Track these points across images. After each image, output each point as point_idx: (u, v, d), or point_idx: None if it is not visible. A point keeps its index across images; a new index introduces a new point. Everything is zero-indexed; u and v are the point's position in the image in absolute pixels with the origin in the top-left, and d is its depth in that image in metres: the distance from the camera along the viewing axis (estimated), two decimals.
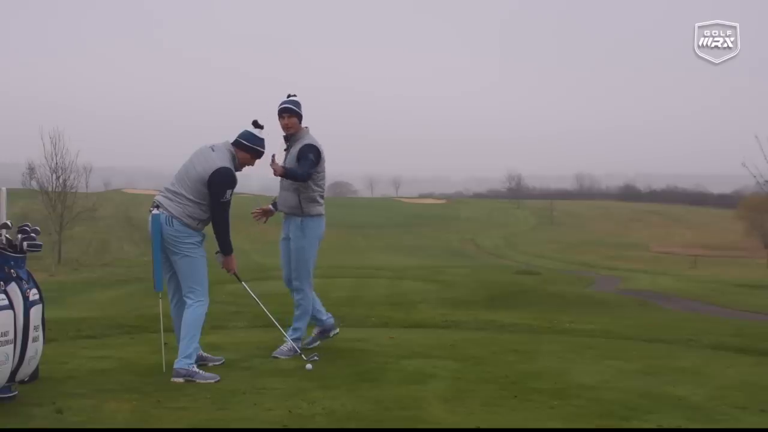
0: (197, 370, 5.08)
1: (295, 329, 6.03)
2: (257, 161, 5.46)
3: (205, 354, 5.55)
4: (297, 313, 6.08)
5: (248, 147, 5.33)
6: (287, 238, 6.09)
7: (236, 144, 5.33)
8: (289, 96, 6.02)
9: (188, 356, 5.09)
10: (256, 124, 5.40)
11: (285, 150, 5.92)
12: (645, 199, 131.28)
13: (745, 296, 26.77)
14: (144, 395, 4.53)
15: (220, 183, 5.12)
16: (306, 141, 5.96)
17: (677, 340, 7.74)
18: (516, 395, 4.73)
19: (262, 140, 5.39)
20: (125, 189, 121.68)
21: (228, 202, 5.21)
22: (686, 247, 74.40)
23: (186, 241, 5.18)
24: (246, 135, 5.34)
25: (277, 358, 5.81)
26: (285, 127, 5.99)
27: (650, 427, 4.08)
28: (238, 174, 5.32)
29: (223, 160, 5.19)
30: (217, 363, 5.52)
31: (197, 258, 5.23)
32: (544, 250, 73.92)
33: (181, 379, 4.99)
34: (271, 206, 6.23)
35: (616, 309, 21.06)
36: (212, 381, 4.98)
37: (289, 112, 5.94)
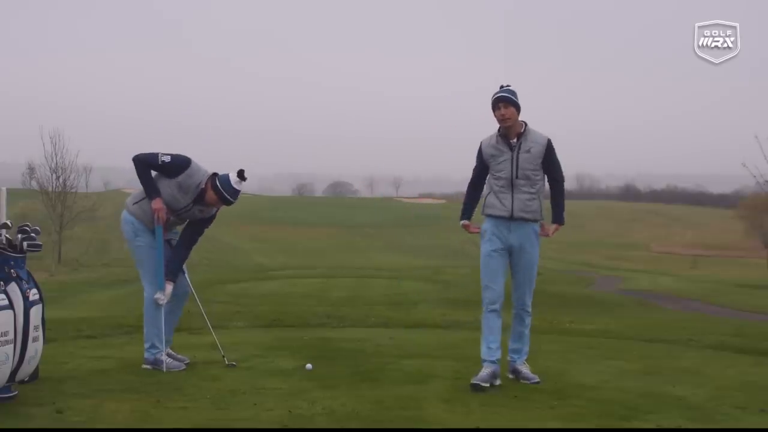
0: (162, 358, 5.33)
1: (523, 351, 5.47)
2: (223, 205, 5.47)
3: (171, 352, 5.57)
4: (527, 332, 5.53)
5: (218, 191, 5.35)
6: (504, 249, 5.56)
7: (213, 182, 5.35)
8: (502, 87, 5.59)
9: (152, 345, 5.39)
10: (241, 174, 5.37)
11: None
12: (645, 199, 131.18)
13: (745, 296, 26.70)
14: (144, 395, 4.54)
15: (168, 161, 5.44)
16: (540, 137, 5.57)
17: (677, 340, 7.74)
18: (516, 395, 4.74)
19: (235, 191, 5.37)
20: (125, 189, 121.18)
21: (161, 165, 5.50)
22: (686, 247, 74.35)
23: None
24: (224, 179, 5.35)
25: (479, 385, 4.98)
26: (502, 119, 5.50)
27: (650, 427, 4.08)
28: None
29: (196, 175, 5.37)
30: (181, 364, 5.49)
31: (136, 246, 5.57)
32: (544, 250, 73.23)
33: (149, 366, 5.35)
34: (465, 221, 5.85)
35: (616, 309, 21.04)
36: (177, 369, 5.29)
37: (505, 101, 5.48)
